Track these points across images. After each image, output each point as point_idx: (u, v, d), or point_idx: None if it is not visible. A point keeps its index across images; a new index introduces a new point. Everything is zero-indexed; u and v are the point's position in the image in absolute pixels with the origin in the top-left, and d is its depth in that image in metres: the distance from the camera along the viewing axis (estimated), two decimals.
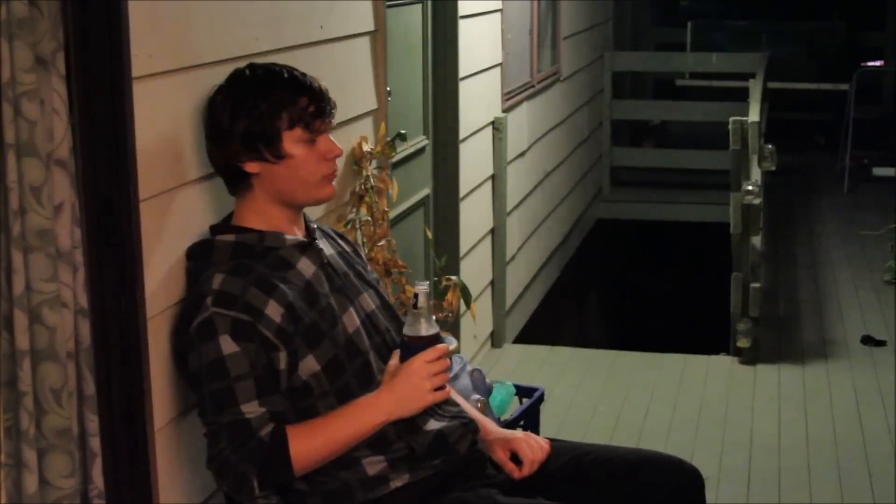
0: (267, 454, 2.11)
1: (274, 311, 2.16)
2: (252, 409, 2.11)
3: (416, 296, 2.20)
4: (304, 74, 2.26)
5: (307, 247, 2.30)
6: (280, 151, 2.22)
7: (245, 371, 2.12)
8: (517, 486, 2.36)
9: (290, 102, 2.21)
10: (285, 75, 2.24)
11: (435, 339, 2.21)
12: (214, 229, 2.30)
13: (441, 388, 2.21)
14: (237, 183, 2.28)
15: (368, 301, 2.37)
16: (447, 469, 2.28)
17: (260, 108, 2.20)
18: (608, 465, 2.40)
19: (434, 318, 2.26)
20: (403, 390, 2.18)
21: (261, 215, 2.27)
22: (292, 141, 2.22)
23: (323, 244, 2.35)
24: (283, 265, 2.24)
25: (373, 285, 2.43)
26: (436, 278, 4.25)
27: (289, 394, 2.19)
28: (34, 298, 1.90)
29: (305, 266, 2.27)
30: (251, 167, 2.23)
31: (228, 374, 2.11)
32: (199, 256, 2.27)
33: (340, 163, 3.26)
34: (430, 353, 2.19)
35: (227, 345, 2.12)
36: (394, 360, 2.26)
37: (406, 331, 2.22)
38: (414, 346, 2.20)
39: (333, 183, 2.31)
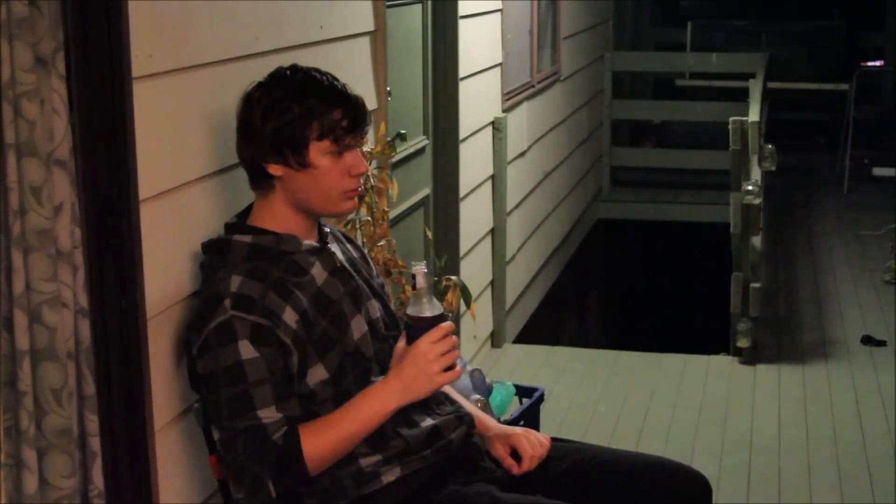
0: (281, 457, 2.10)
1: (290, 316, 2.15)
2: (269, 415, 2.11)
3: (413, 276, 2.15)
4: (344, 85, 2.23)
5: (320, 251, 2.29)
6: (305, 160, 2.19)
7: (263, 376, 2.11)
8: (517, 483, 2.36)
9: (323, 112, 2.18)
10: (325, 83, 2.21)
11: (439, 319, 2.15)
12: (230, 228, 2.29)
13: (451, 367, 2.16)
14: (259, 181, 2.26)
15: (374, 308, 2.36)
16: (439, 461, 2.27)
17: (293, 112, 2.17)
18: (612, 471, 2.39)
19: (434, 299, 2.21)
20: (411, 374, 2.14)
21: (279, 217, 2.26)
22: (319, 151, 2.19)
23: (335, 248, 2.34)
24: (297, 270, 2.23)
25: (378, 292, 2.42)
26: (436, 278, 4.25)
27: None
28: (34, 298, 1.90)
29: (318, 272, 2.26)
30: (274, 169, 2.21)
31: (246, 379, 2.10)
32: (214, 253, 2.25)
33: None
34: (434, 333, 2.14)
35: (247, 350, 2.11)
36: (401, 343, 2.22)
37: (409, 311, 2.17)
38: (418, 328, 2.15)
39: (355, 199, 2.29)
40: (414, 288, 2.16)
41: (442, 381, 2.17)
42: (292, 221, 2.27)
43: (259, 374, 2.11)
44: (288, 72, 2.23)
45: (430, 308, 2.15)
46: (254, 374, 2.11)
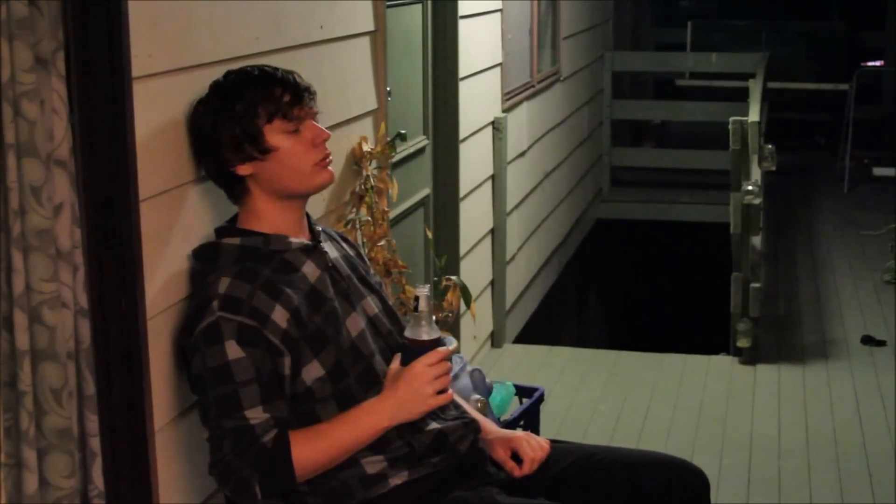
0: (269, 460, 2.11)
1: (280, 316, 2.16)
2: (256, 415, 2.11)
3: (416, 299, 2.20)
4: (275, 68, 2.28)
5: (312, 250, 2.29)
6: (265, 146, 2.22)
7: (250, 377, 2.12)
8: (519, 486, 2.36)
9: (263, 96, 2.22)
10: (256, 73, 2.26)
11: (436, 343, 2.21)
12: (219, 232, 2.30)
13: (443, 391, 2.21)
14: (235, 189, 2.29)
15: (372, 305, 2.37)
16: (447, 468, 2.28)
17: (237, 109, 2.22)
18: (612, 467, 2.40)
19: (434, 320, 2.26)
20: (405, 395, 2.18)
21: (263, 218, 2.27)
22: (275, 134, 2.23)
23: (327, 247, 2.35)
24: (288, 269, 2.24)
25: (375, 289, 2.43)
26: (436, 278, 4.25)
27: (290, 398, 2.19)
28: (34, 298, 1.90)
29: (310, 269, 2.27)
30: (243, 169, 2.24)
31: (233, 379, 2.11)
32: (204, 259, 2.27)
33: (340, 161, 3.28)
34: (431, 357, 2.19)
35: (233, 350, 2.12)
36: (395, 364, 2.25)
37: (407, 334, 2.22)
38: (415, 350, 2.20)
39: (329, 168, 2.31)
40: (415, 310, 2.19)
41: (435, 403, 2.21)
42: (279, 218, 2.28)
43: (246, 374, 2.12)
44: (221, 79, 2.29)
45: (428, 332, 2.21)
46: (241, 375, 2.12)
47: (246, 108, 2.22)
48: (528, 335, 6.06)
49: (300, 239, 2.30)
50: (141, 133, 2.15)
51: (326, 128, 2.32)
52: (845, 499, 4.00)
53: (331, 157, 2.31)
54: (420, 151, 4.48)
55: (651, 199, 8.90)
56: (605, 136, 8.73)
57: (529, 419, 3.68)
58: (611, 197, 8.82)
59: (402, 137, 3.70)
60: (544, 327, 6.47)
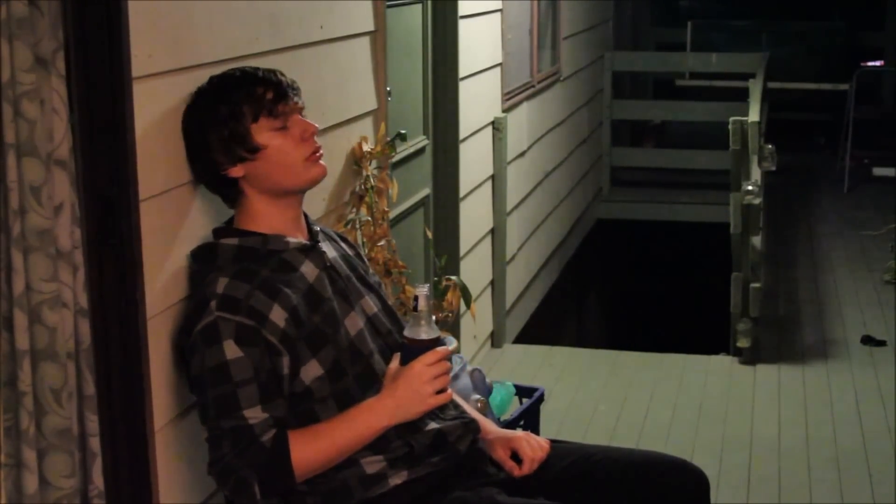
0: (268, 460, 2.11)
1: (278, 315, 2.16)
2: (255, 415, 2.11)
3: (416, 298, 2.20)
4: (256, 68, 2.29)
5: (310, 249, 2.30)
6: (254, 146, 2.23)
7: (248, 376, 2.12)
8: (519, 485, 2.36)
9: (246, 96, 2.23)
10: (237, 74, 2.27)
11: (435, 343, 2.20)
12: (217, 233, 2.30)
13: (442, 390, 2.21)
14: (229, 192, 2.30)
15: (370, 304, 2.37)
16: (447, 467, 2.28)
17: (222, 111, 2.23)
18: (612, 467, 2.39)
19: (434, 319, 2.25)
20: (404, 394, 2.18)
21: (260, 218, 2.28)
22: (262, 132, 2.23)
23: (325, 247, 2.35)
24: (286, 268, 2.24)
25: (374, 289, 2.43)
26: (436, 278, 4.25)
27: (289, 398, 2.19)
28: (34, 298, 1.90)
29: (308, 269, 2.27)
30: (235, 172, 2.25)
31: (232, 379, 2.11)
32: (203, 260, 2.27)
33: (340, 161, 3.28)
34: (430, 357, 2.19)
35: (231, 350, 2.12)
36: (394, 364, 2.25)
37: (407, 333, 2.22)
38: (414, 349, 2.20)
39: (321, 161, 2.31)
40: (415, 310, 2.19)
41: (434, 403, 2.21)
42: (275, 217, 2.28)
43: (244, 373, 2.12)
44: (205, 84, 2.30)
45: (427, 331, 2.21)
46: (239, 374, 2.12)
47: (231, 110, 2.22)
48: (528, 335, 6.06)
49: (298, 238, 2.30)
50: (141, 133, 2.15)
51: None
52: (845, 499, 4.00)
53: (321, 151, 2.31)
54: (420, 151, 4.48)
55: (651, 199, 8.90)
56: (604, 136, 8.73)
57: (529, 419, 3.68)
58: (611, 197, 8.82)
59: (402, 137, 3.70)
60: (544, 327, 6.48)
